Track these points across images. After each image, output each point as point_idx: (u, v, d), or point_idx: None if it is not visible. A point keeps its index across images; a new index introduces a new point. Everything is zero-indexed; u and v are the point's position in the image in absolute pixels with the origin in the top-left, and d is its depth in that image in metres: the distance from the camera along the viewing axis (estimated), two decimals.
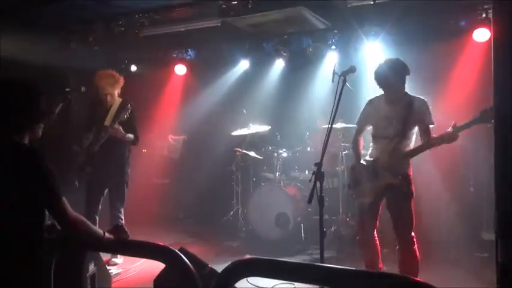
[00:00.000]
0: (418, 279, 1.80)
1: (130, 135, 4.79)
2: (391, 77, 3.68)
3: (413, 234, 3.73)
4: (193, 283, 2.13)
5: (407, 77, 3.78)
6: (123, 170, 4.91)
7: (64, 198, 2.07)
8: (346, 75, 3.25)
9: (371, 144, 3.96)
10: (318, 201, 2.84)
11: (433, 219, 5.62)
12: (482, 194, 5.23)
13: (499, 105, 1.80)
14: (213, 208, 6.81)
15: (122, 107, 4.76)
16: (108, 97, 4.82)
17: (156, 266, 2.36)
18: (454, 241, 5.39)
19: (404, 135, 3.71)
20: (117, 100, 4.90)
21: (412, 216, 3.70)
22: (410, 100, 3.73)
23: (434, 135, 3.66)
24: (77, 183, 4.74)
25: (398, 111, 3.73)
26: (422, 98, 3.77)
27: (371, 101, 3.92)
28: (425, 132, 3.70)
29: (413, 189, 3.75)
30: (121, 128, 4.65)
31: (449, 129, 3.52)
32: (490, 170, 4.95)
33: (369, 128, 3.96)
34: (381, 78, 3.73)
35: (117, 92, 4.90)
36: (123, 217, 4.92)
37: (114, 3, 4.90)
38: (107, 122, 4.70)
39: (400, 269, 3.79)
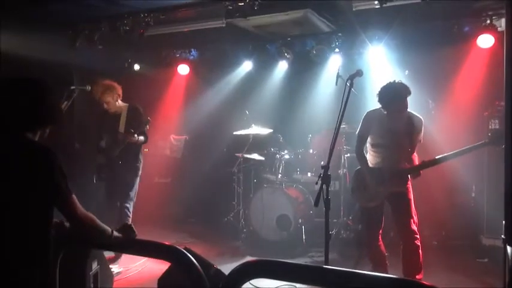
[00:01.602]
0: (426, 282, 1.80)
1: (142, 138, 5.04)
2: (396, 101, 3.85)
3: (415, 227, 3.90)
4: (201, 283, 2.13)
5: (408, 83, 3.93)
6: (136, 167, 5.18)
7: (73, 195, 2.08)
8: (353, 79, 3.25)
9: (370, 151, 4.11)
10: (324, 204, 2.84)
11: (435, 224, 5.65)
12: (483, 199, 5.24)
13: (510, 110, 1.81)
14: (214, 209, 6.80)
15: (130, 112, 5.10)
16: (105, 105, 5.03)
17: (156, 265, 2.36)
18: (455, 246, 5.41)
19: (411, 148, 3.99)
20: (123, 106, 5.15)
21: (413, 208, 3.94)
22: (410, 116, 3.96)
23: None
24: (95, 180, 5.16)
25: (402, 126, 3.94)
26: (420, 116, 4.01)
27: (371, 114, 4.06)
28: (415, 147, 4.02)
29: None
30: (135, 135, 4.92)
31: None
32: (493, 176, 4.99)
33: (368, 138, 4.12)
34: (386, 102, 3.89)
35: (113, 97, 5.05)
36: (130, 211, 5.15)
37: (121, 2, 4.90)
38: (121, 129, 5.04)
39: (404, 268, 3.92)
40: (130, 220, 5.09)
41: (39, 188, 2.00)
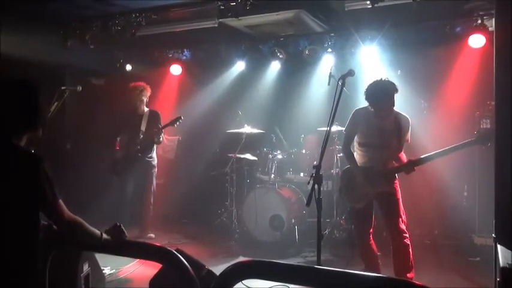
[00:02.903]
0: (417, 282, 1.80)
1: (161, 138, 5.85)
2: (383, 99, 3.86)
3: (404, 226, 3.90)
4: (192, 284, 2.12)
5: (400, 83, 3.98)
6: (152, 165, 6.01)
7: (60, 200, 2.05)
8: (344, 79, 3.25)
9: (357, 150, 4.10)
10: (316, 204, 2.84)
11: (427, 223, 5.67)
12: (474, 198, 5.27)
13: (500, 110, 1.81)
14: (207, 209, 6.77)
15: (152, 115, 5.95)
16: (138, 103, 5.86)
17: (149, 267, 2.35)
18: (447, 245, 5.43)
19: (398, 147, 3.99)
20: (146, 110, 5.97)
21: (401, 208, 3.95)
22: (397, 115, 3.97)
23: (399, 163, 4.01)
24: (114, 178, 5.91)
25: (389, 125, 3.94)
26: (407, 116, 4.01)
27: (359, 111, 4.06)
28: (402, 146, 4.02)
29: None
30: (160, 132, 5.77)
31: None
32: (485, 175, 5.01)
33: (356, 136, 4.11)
34: (373, 99, 3.89)
35: (145, 99, 5.91)
36: (152, 204, 6.03)
37: (112, 2, 4.87)
38: (143, 128, 5.85)
39: (395, 267, 3.92)
40: (150, 215, 6.01)
41: (24, 193, 1.97)
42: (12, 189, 1.96)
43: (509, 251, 1.70)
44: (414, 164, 3.86)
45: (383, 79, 3.91)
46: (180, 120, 5.74)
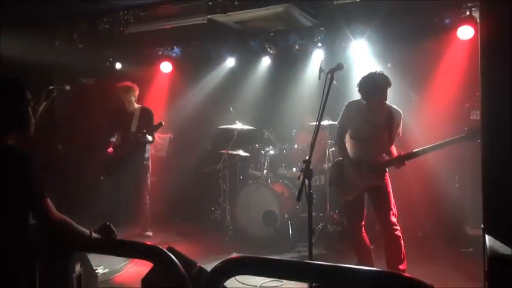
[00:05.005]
0: (407, 274, 1.80)
1: (150, 138, 5.69)
2: (376, 92, 3.85)
3: (395, 219, 3.92)
4: (183, 282, 2.10)
5: (391, 76, 3.95)
6: (144, 164, 5.91)
7: (47, 199, 2.03)
8: (333, 72, 3.25)
9: (348, 143, 4.10)
10: (307, 199, 2.84)
11: (420, 215, 5.69)
12: (466, 190, 5.29)
13: (485, 100, 1.82)
14: (200, 206, 6.77)
15: (143, 114, 5.82)
16: (126, 103, 5.76)
17: (143, 266, 2.34)
18: (440, 237, 5.46)
19: (389, 141, 4.00)
20: (137, 108, 5.86)
21: (392, 201, 3.96)
22: (390, 109, 3.97)
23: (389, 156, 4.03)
24: (102, 177, 5.83)
25: (382, 119, 3.94)
26: (399, 110, 4.02)
27: (352, 104, 4.05)
28: (393, 140, 4.03)
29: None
30: (146, 134, 5.60)
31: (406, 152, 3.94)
32: (476, 166, 5.04)
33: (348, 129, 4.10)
34: (366, 92, 3.89)
35: (133, 98, 5.82)
36: (148, 204, 6.00)
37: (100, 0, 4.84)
38: (133, 128, 5.75)
39: (387, 259, 3.93)
40: (148, 212, 5.98)
41: (12, 192, 1.95)
42: (1, 186, 1.94)
43: (497, 241, 1.71)
44: (404, 158, 3.87)
45: (377, 72, 3.91)
46: (161, 126, 5.64)
